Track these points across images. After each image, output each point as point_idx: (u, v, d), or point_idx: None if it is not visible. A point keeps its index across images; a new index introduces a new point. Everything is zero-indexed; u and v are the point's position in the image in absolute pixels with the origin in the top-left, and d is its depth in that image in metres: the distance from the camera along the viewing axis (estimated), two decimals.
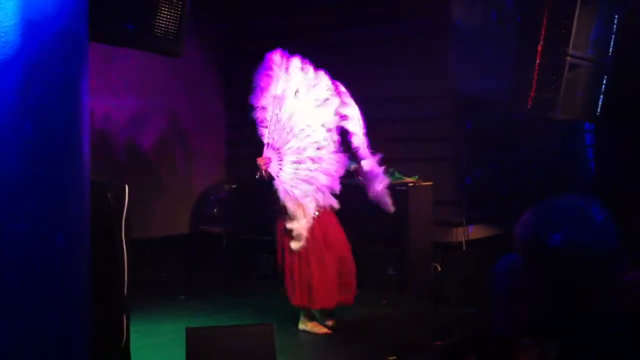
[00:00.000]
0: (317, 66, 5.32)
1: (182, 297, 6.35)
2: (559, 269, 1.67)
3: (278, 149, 5.00)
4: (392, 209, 5.29)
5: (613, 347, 1.63)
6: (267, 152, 5.01)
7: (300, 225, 4.92)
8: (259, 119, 5.04)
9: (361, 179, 5.28)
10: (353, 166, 5.31)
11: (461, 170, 6.95)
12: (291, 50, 5.21)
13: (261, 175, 4.99)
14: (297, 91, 5.01)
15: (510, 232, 1.82)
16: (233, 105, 8.44)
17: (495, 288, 1.97)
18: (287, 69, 5.06)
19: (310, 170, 4.96)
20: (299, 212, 4.92)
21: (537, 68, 5.43)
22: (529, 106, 5.49)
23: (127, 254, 3.36)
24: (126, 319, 3.42)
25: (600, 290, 1.68)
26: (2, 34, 1.79)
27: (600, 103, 5.85)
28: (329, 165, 5.00)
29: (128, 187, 3.41)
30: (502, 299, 1.96)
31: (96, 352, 2.65)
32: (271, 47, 5.02)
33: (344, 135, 5.17)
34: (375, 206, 5.30)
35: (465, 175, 6.95)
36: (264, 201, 5.36)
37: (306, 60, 5.13)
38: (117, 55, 6.80)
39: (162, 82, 7.65)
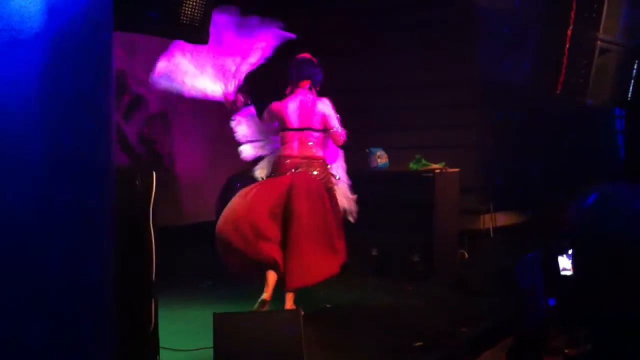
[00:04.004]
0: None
1: (210, 282, 6.40)
2: (616, 256, 1.65)
3: None
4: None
5: None
6: None
7: None
8: None
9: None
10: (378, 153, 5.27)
11: (488, 158, 6.90)
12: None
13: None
14: None
15: (536, 219, 1.80)
16: (257, 92, 8.44)
17: (518, 287, 1.97)
18: None
19: None
20: None
21: (566, 53, 5.35)
22: (558, 91, 5.42)
23: (154, 240, 3.40)
24: (155, 305, 3.46)
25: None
26: (27, 19, 1.81)
27: (631, 88, 5.77)
28: None
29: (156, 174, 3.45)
30: (525, 296, 1.96)
31: (125, 337, 2.69)
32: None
33: None
34: (400, 193, 5.27)
35: (493, 165, 6.90)
36: None
37: None
38: (142, 43, 6.83)
39: None
